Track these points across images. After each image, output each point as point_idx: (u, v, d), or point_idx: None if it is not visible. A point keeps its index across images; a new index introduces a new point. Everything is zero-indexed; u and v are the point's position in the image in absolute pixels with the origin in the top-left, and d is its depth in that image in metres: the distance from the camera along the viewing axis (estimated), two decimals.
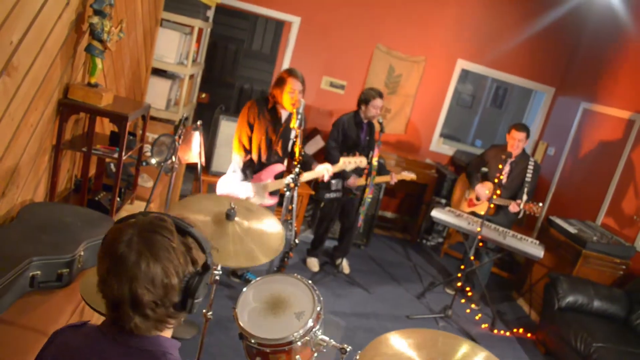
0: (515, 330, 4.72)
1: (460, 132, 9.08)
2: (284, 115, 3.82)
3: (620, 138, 5.28)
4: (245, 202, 2.42)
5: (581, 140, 5.92)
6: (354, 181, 4.68)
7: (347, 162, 4.01)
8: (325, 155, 4.72)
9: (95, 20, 2.75)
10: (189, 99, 5.61)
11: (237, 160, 3.78)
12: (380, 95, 4.61)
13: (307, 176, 3.92)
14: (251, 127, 3.74)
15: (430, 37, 6.35)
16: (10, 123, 2.32)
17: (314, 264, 5.02)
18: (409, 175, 4.89)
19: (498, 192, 4.54)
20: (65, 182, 3.20)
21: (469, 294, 4.97)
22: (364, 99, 4.63)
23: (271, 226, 2.28)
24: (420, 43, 6.36)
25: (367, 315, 4.34)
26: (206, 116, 6.20)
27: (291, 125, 3.55)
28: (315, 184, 4.88)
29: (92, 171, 3.46)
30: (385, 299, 4.70)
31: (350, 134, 4.68)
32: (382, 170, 4.93)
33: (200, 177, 3.61)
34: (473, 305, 4.96)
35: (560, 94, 6.62)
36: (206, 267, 1.21)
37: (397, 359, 1.94)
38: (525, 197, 4.60)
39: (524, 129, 4.74)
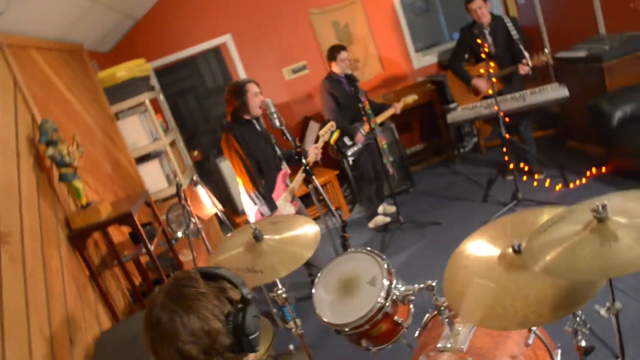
0: (588, 173, 4.55)
1: (434, 36, 8.85)
2: (256, 124, 3.72)
3: None
4: (268, 219, 2.40)
5: None
6: (360, 137, 4.80)
7: (323, 134, 3.90)
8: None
9: (51, 151, 2.79)
10: (184, 165, 5.66)
11: (254, 195, 3.55)
12: (341, 48, 4.87)
13: (308, 161, 3.76)
14: (246, 148, 3.56)
15: None
16: (36, 280, 2.38)
17: (381, 219, 5.06)
18: (411, 98, 4.93)
19: (492, 64, 4.38)
20: (121, 299, 3.27)
21: (526, 168, 4.83)
22: (330, 58, 4.92)
23: (297, 223, 2.26)
24: None
25: (449, 245, 4.26)
26: (208, 169, 6.25)
27: (272, 127, 3.46)
28: (337, 151, 4.93)
29: (139, 277, 3.53)
30: (456, 221, 4.62)
31: (336, 93, 4.87)
32: (381, 108, 4.96)
33: (229, 221, 3.60)
34: (537, 176, 4.82)
35: None
36: (245, 301, 1.19)
37: (478, 263, 1.89)
38: (526, 54, 4.40)
39: None
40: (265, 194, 3.54)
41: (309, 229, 2.22)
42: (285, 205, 3.69)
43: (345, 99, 4.84)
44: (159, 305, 1.13)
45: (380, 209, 5.21)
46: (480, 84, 4.78)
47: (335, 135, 4.58)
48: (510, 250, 1.81)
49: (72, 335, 2.51)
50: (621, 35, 4.57)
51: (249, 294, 1.21)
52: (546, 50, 4.31)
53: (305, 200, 4.45)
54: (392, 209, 5.09)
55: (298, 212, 3.84)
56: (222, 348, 1.13)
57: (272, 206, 3.57)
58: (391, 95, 6.22)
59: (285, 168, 3.80)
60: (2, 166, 2.44)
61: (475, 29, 4.51)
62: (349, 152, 4.83)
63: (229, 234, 2.45)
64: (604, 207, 1.45)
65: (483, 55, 4.19)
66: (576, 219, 1.60)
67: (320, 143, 3.86)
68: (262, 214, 3.56)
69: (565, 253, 1.48)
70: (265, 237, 2.15)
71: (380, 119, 4.83)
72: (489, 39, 4.65)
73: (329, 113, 4.86)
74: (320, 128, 3.97)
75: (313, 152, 3.74)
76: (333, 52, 4.89)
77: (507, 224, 2.02)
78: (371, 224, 5.07)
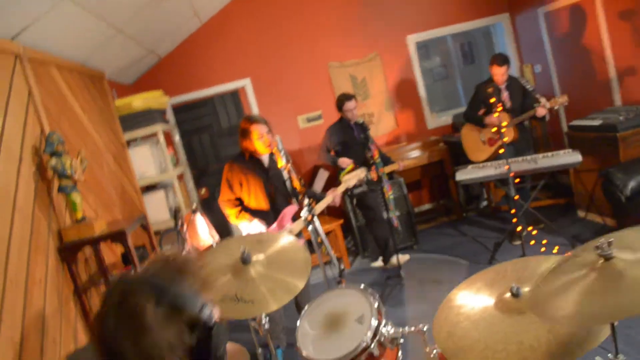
0: None
1: (450, 102, 8.97)
2: (265, 160, 3.75)
3: (591, 15, 5.13)
4: (251, 237, 2.32)
5: (558, 42, 5.78)
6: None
7: (348, 179, 3.99)
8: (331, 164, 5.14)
9: (54, 162, 2.78)
10: (190, 200, 5.64)
11: (245, 225, 3.65)
12: (348, 97, 4.96)
13: (320, 206, 3.82)
14: (243, 182, 3.66)
15: (371, 31, 6.38)
16: (16, 289, 2.30)
17: (377, 263, 5.13)
18: (412, 161, 4.95)
19: (507, 116, 4.51)
20: None
21: (534, 232, 4.73)
22: (338, 107, 5.05)
23: (285, 242, 2.19)
24: (365, 42, 6.39)
25: None
26: (214, 207, 6.21)
27: (279, 166, 3.49)
28: (344, 195, 5.03)
29: None
30: (460, 281, 4.46)
31: (343, 137, 5.02)
32: (386, 162, 4.99)
33: None
34: (544, 242, 4.70)
35: (516, 13, 6.53)
36: (207, 328, 1.06)
37: (472, 305, 1.80)
38: (542, 98, 4.51)
39: (503, 62, 4.76)
40: (248, 216, 3.64)
41: (297, 252, 2.14)
42: (295, 228, 3.71)
43: (353, 145, 4.95)
44: (109, 329, 1.02)
45: (393, 260, 5.03)
46: (493, 119, 4.82)
47: (347, 170, 4.63)
48: (508, 294, 1.73)
49: (44, 347, 2.40)
50: (637, 107, 4.57)
51: (209, 317, 1.07)
52: (564, 95, 4.44)
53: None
54: (406, 257, 5.07)
55: None
56: None
57: (263, 224, 3.64)
58: (401, 149, 6.23)
59: (293, 207, 3.79)
60: (2, 170, 2.43)
61: (490, 86, 4.66)
62: (355, 191, 4.95)
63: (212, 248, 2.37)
64: (609, 243, 1.38)
65: (500, 108, 4.25)
66: (581, 261, 1.52)
67: (342, 188, 3.90)
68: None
69: (570, 298, 1.40)
70: (253, 259, 2.07)
71: (385, 169, 4.81)
72: (505, 92, 4.76)
73: (322, 155, 5.10)
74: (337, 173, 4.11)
75: (331, 195, 3.79)
76: (339, 102, 5.04)
77: (507, 269, 1.94)
78: (376, 264, 5.05)
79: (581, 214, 5.22)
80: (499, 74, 4.76)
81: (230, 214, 3.70)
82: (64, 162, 2.81)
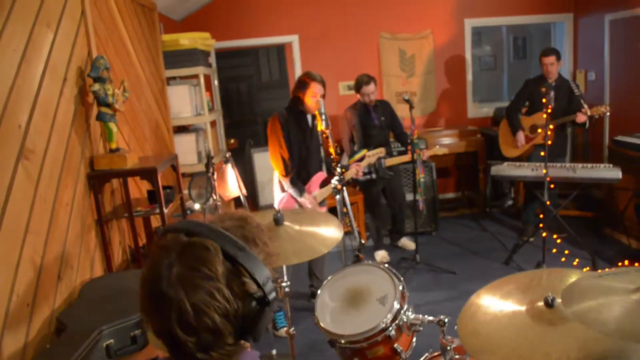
0: (619, 264, 4.33)
1: (492, 94, 8.76)
2: (309, 118, 3.73)
3: None
4: (291, 210, 2.29)
5: (618, 54, 5.54)
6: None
7: (370, 156, 4.15)
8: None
9: (97, 87, 2.75)
10: (218, 148, 5.62)
11: (283, 180, 3.66)
12: (367, 82, 4.65)
13: (347, 175, 3.81)
14: (286, 137, 3.63)
15: (429, 8, 6.19)
16: (44, 205, 2.31)
17: (383, 256, 4.96)
18: (441, 151, 4.70)
19: (544, 116, 4.31)
20: (120, 255, 3.18)
21: (558, 241, 4.64)
22: (356, 88, 4.76)
23: (322, 221, 2.15)
24: (421, 17, 6.20)
25: (461, 297, 4.07)
26: (240, 159, 6.19)
27: (318, 128, 3.46)
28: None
29: (144, 239, 3.45)
30: (474, 276, 4.43)
31: (361, 121, 4.78)
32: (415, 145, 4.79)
33: (249, 207, 3.52)
34: (566, 252, 4.62)
35: (580, 16, 6.26)
36: (264, 302, 0.99)
37: (502, 307, 1.75)
38: (585, 105, 4.42)
39: (552, 52, 4.66)
40: (295, 180, 3.62)
41: (331, 231, 2.11)
42: (319, 196, 3.74)
43: (366, 127, 4.78)
44: (166, 277, 0.94)
45: (400, 243, 5.12)
46: (521, 138, 4.84)
47: (356, 157, 4.46)
48: (541, 302, 1.67)
49: (61, 272, 2.42)
50: None
51: (272, 293, 1.00)
52: (606, 105, 4.36)
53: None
54: (412, 245, 4.94)
55: None
56: (223, 343, 0.97)
57: (301, 189, 3.64)
58: (435, 133, 6.10)
59: (323, 171, 3.80)
60: (46, 87, 2.41)
61: (540, 82, 4.58)
62: (361, 178, 4.70)
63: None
64: None
65: (549, 110, 4.08)
66: (633, 279, 1.45)
67: (364, 163, 4.05)
68: (292, 196, 3.63)
69: (610, 306, 1.34)
70: (286, 223, 2.04)
71: (399, 160, 4.66)
72: (552, 92, 4.59)
73: (344, 142, 4.92)
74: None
75: (355, 168, 3.92)
76: (357, 84, 4.72)
77: (543, 276, 1.87)
78: (376, 257, 4.95)
79: (607, 231, 5.10)
80: (547, 63, 4.64)
81: (279, 169, 3.66)
82: (107, 89, 2.78)
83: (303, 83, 3.62)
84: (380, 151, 4.22)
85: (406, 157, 4.62)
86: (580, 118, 4.42)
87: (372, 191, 4.88)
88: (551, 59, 4.62)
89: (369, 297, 2.02)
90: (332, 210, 4.33)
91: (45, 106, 2.40)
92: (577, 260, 4.48)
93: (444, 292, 4.21)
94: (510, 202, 6.17)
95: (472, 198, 6.35)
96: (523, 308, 1.70)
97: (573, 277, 1.82)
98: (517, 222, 5.70)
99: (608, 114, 4.42)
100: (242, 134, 6.39)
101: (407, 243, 5.14)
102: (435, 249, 5.13)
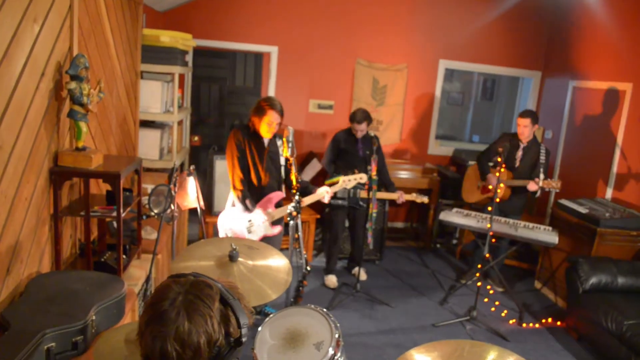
0: (544, 320, 4.63)
1: (455, 130, 9.07)
2: (265, 140, 3.83)
3: (615, 109, 5.25)
4: (246, 241, 2.39)
5: (576, 119, 5.90)
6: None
7: (347, 180, 4.09)
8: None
9: (73, 85, 2.77)
10: (182, 145, 5.64)
11: (236, 193, 3.80)
12: (359, 121, 4.79)
13: (308, 200, 3.92)
14: (240, 158, 3.76)
15: (407, 43, 6.39)
16: (4, 201, 2.32)
17: (332, 281, 5.08)
18: (421, 198, 4.60)
19: (510, 175, 4.63)
20: (70, 248, 3.19)
21: (491, 292, 4.90)
22: (350, 118, 4.91)
23: (276, 261, 2.26)
24: (399, 51, 6.40)
25: (393, 331, 4.28)
26: (201, 158, 6.22)
27: (283, 155, 3.56)
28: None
29: (95, 233, 3.46)
30: (408, 311, 4.64)
31: (347, 148, 4.92)
32: (389, 186, 4.97)
33: (203, 221, 3.59)
34: (494, 290, 4.91)
35: (548, 76, 6.62)
36: (238, 342, 1.24)
37: None
38: (542, 176, 4.67)
39: (528, 114, 4.87)
40: (243, 198, 3.76)
41: (281, 271, 2.22)
42: (262, 219, 3.80)
43: (349, 156, 4.93)
44: (171, 299, 1.18)
45: (354, 271, 5.27)
46: (492, 180, 4.96)
47: (332, 180, 4.59)
48: None
49: (11, 266, 2.44)
50: (625, 209, 4.73)
51: (245, 337, 1.25)
52: (558, 180, 4.63)
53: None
54: (364, 276, 5.21)
55: (276, 237, 3.92)
56: None
57: (248, 207, 3.77)
58: (395, 167, 6.29)
59: (282, 192, 3.92)
60: (24, 82, 2.42)
61: (513, 139, 4.89)
62: (332, 201, 4.83)
63: (203, 240, 2.43)
64: None
65: (499, 159, 4.36)
66: None
67: (339, 187, 4.08)
68: (233, 204, 3.82)
69: None
70: (240, 259, 2.14)
71: (381, 196, 4.77)
72: (520, 152, 4.87)
73: (324, 161, 5.11)
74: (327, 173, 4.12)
75: (324, 192, 3.96)
76: (352, 116, 4.85)
77: (465, 348, 2.03)
78: (325, 280, 5.08)
79: (538, 285, 5.42)
80: (522, 124, 4.85)
81: (231, 182, 3.82)
82: (83, 88, 2.80)
83: (261, 109, 3.69)
84: (361, 177, 4.17)
85: (394, 195, 4.72)
86: (532, 187, 4.65)
87: (339, 216, 5.02)
88: (526, 121, 4.81)
89: (306, 340, 2.14)
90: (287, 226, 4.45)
91: (20, 102, 2.40)
92: (505, 311, 4.75)
93: (377, 323, 4.39)
94: (454, 242, 6.44)
95: (420, 231, 6.59)
96: None
97: (493, 354, 2.00)
98: (458, 262, 5.97)
99: (558, 190, 4.68)
100: (206, 134, 6.42)
101: (362, 273, 5.19)
102: (377, 279, 5.32)
